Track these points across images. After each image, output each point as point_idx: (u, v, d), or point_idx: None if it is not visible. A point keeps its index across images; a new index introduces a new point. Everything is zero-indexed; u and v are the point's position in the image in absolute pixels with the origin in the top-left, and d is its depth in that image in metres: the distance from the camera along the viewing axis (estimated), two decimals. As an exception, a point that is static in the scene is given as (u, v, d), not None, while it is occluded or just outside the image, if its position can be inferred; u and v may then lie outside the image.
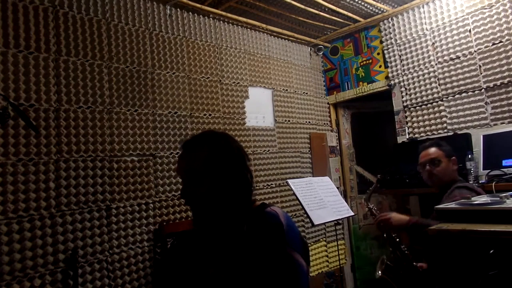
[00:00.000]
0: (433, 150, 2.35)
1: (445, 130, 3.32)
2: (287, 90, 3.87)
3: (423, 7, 3.46)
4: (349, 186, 4.24)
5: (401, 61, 3.64)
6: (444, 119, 3.34)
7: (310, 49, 4.25)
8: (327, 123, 4.25)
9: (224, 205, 1.16)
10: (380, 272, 2.64)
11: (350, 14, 3.65)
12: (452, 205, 1.32)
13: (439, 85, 3.36)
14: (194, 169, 1.16)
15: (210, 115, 3.13)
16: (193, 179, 1.16)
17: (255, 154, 3.41)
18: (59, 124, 2.28)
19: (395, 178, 3.22)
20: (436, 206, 1.33)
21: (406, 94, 3.60)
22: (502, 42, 2.98)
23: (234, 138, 1.26)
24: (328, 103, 4.30)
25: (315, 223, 2.76)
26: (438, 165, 2.29)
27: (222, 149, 1.18)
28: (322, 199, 2.98)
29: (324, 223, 3.13)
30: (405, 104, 3.61)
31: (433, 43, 3.41)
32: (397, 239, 2.63)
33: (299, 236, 1.15)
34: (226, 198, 1.16)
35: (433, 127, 3.41)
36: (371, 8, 3.60)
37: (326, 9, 3.49)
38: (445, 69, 3.32)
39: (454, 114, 3.27)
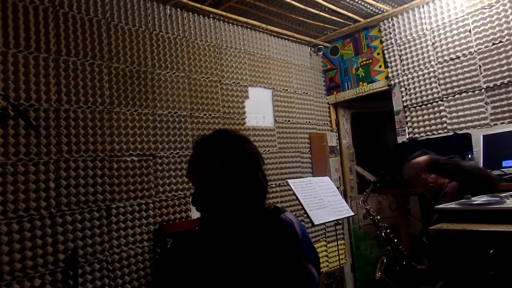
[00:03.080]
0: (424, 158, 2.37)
1: (445, 130, 3.32)
2: (287, 90, 3.87)
3: (423, 7, 3.46)
4: (349, 186, 4.24)
5: (401, 61, 3.64)
6: (444, 119, 3.34)
7: (310, 49, 4.25)
8: (327, 123, 4.25)
9: (238, 211, 1.11)
10: (379, 273, 2.65)
11: (350, 14, 3.65)
12: (452, 205, 1.32)
13: (439, 85, 3.36)
14: (207, 177, 1.08)
15: (210, 115, 3.13)
16: (205, 186, 1.09)
17: (255, 154, 3.41)
18: (59, 124, 2.28)
19: (395, 178, 3.22)
20: (436, 206, 1.33)
21: (406, 94, 3.60)
22: (502, 42, 2.98)
23: (249, 140, 1.17)
24: (328, 103, 4.30)
25: (315, 223, 2.76)
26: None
27: (238, 155, 1.10)
28: (322, 199, 2.98)
29: (324, 223, 3.13)
30: (405, 104, 3.61)
31: (433, 43, 3.41)
32: (395, 240, 2.63)
33: (312, 245, 1.12)
34: (240, 205, 1.10)
35: (433, 127, 3.40)
36: (371, 8, 3.60)
37: (326, 9, 3.49)
38: (445, 69, 3.31)
39: (454, 114, 3.27)
